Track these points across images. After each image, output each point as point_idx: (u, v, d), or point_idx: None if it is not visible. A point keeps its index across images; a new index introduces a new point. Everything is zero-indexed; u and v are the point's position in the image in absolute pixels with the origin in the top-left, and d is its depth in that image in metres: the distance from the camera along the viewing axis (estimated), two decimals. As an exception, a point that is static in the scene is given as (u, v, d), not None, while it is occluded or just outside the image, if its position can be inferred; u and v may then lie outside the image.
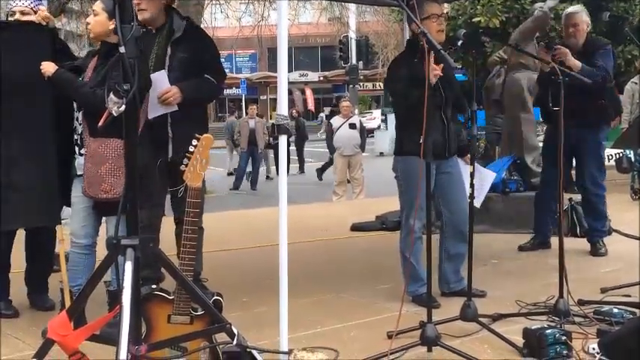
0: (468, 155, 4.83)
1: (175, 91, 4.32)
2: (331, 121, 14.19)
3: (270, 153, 17.78)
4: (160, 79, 4.27)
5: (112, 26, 3.84)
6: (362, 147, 13.23)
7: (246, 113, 17.59)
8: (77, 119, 4.14)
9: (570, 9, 6.00)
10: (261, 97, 41.57)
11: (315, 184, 16.51)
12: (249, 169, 16.97)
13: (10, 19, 4.34)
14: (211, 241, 5.90)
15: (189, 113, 4.44)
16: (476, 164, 4.74)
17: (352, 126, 12.96)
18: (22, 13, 4.30)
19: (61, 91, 4.04)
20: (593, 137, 5.89)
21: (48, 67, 4.01)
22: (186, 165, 3.14)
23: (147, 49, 4.34)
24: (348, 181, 12.98)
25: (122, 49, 2.75)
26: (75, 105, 4.15)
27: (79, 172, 4.11)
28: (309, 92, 38.58)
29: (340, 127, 13.07)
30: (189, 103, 4.42)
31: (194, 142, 3.13)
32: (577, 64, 5.60)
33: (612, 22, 5.90)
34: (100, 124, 3.49)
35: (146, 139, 3.88)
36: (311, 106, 38.12)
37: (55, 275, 4.77)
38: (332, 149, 13.19)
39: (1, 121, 4.03)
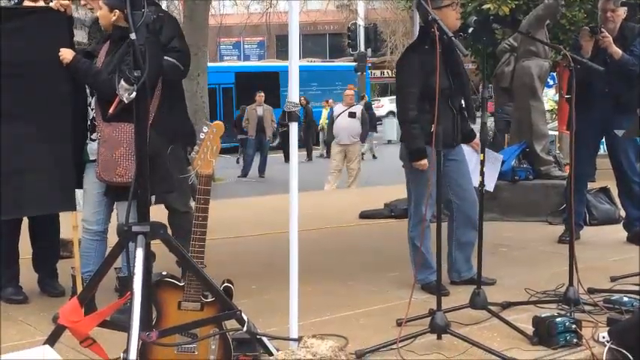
0: (476, 141, 4.83)
1: None
2: (333, 109, 14.01)
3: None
4: None
5: (113, 18, 3.95)
6: (362, 137, 12.97)
7: (254, 100, 17.54)
8: (90, 105, 4.15)
9: None
10: (269, 85, 41.49)
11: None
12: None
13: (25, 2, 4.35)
14: (220, 229, 5.92)
15: None
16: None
17: (352, 115, 12.70)
18: (36, 0, 4.32)
19: (79, 78, 4.07)
20: (630, 122, 5.65)
21: (66, 54, 4.04)
22: (197, 152, 3.14)
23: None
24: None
25: (133, 36, 2.75)
26: (88, 91, 4.16)
27: (91, 158, 4.11)
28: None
29: (339, 115, 12.90)
30: None
31: (204, 129, 3.13)
32: (618, 51, 5.56)
33: (627, 10, 5.81)
34: (110, 111, 3.51)
35: (159, 126, 3.88)
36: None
37: (66, 261, 4.79)
38: (331, 137, 13.01)
39: (17, 104, 4.05)
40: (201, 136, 3.13)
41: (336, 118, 13.01)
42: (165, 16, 4.61)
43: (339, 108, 13.41)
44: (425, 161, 4.43)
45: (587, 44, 5.59)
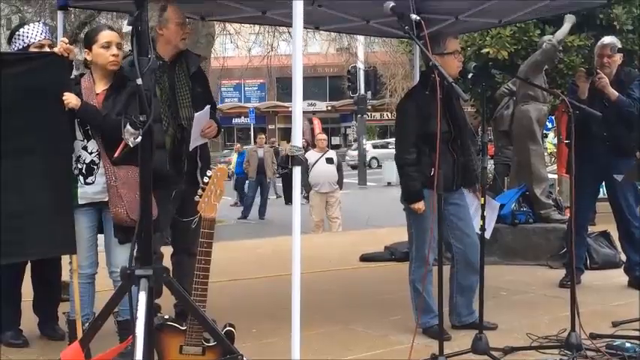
0: (476, 186, 4.83)
1: (215, 125, 4.59)
2: (306, 155, 12.57)
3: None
4: (204, 115, 4.50)
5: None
6: (339, 184, 12.03)
7: (255, 142, 17.65)
8: (86, 148, 4.12)
9: (605, 39, 5.96)
10: (270, 127, 41.74)
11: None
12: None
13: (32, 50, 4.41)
14: (220, 271, 5.89)
15: (205, 144, 4.69)
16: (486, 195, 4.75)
17: (329, 161, 11.85)
18: (42, 46, 4.38)
19: (87, 122, 4.04)
20: (629, 166, 5.65)
21: (71, 99, 4.00)
22: (201, 196, 3.16)
23: (161, 80, 4.48)
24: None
25: (139, 82, 2.78)
26: (81, 134, 4.14)
27: (81, 202, 4.08)
28: (316, 122, 38.79)
29: (316, 162, 11.84)
30: None
31: (209, 172, 3.16)
32: (614, 93, 5.62)
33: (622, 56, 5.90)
34: (115, 154, 3.53)
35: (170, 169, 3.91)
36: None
37: (67, 304, 4.76)
38: (307, 186, 11.78)
39: (17, 146, 4.05)
40: (205, 179, 3.16)
41: (312, 165, 11.77)
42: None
43: (313, 155, 12.15)
44: (421, 204, 4.45)
45: (584, 86, 5.65)
